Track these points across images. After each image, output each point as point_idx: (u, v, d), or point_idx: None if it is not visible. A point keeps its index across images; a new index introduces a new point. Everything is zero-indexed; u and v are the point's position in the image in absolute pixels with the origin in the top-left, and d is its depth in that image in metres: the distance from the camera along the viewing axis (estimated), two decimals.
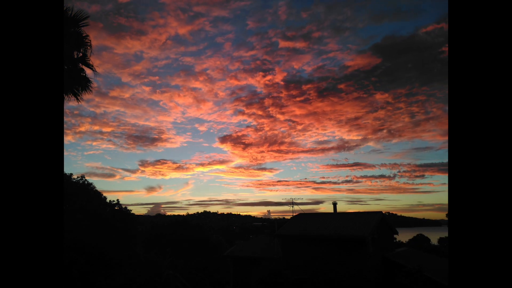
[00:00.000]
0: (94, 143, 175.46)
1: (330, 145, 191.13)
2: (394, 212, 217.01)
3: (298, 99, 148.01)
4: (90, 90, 12.41)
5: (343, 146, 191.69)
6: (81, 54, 12.05)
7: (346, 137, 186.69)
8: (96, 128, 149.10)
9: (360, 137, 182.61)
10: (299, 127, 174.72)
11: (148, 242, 36.59)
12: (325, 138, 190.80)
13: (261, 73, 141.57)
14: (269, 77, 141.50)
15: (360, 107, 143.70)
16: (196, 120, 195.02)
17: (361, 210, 30.13)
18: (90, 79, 12.39)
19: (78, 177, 34.50)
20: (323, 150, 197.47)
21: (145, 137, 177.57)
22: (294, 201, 28.01)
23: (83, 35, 11.67)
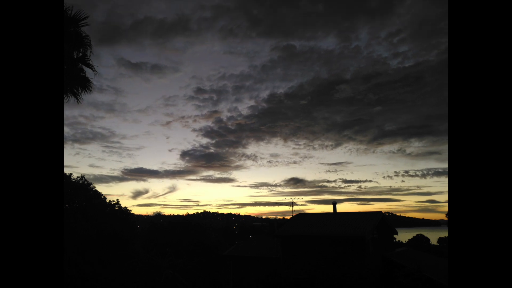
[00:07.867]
0: (76, 155, 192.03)
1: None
2: (392, 212, 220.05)
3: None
4: (90, 90, 12.40)
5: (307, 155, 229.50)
6: (81, 54, 12.04)
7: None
8: (77, 143, 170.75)
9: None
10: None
11: (147, 242, 36.55)
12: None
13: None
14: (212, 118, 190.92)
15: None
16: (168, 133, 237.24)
17: (359, 210, 30.16)
18: (89, 78, 12.39)
19: (78, 177, 34.50)
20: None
21: (123, 149, 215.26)
22: (294, 201, 28.05)
23: (83, 35, 11.65)
